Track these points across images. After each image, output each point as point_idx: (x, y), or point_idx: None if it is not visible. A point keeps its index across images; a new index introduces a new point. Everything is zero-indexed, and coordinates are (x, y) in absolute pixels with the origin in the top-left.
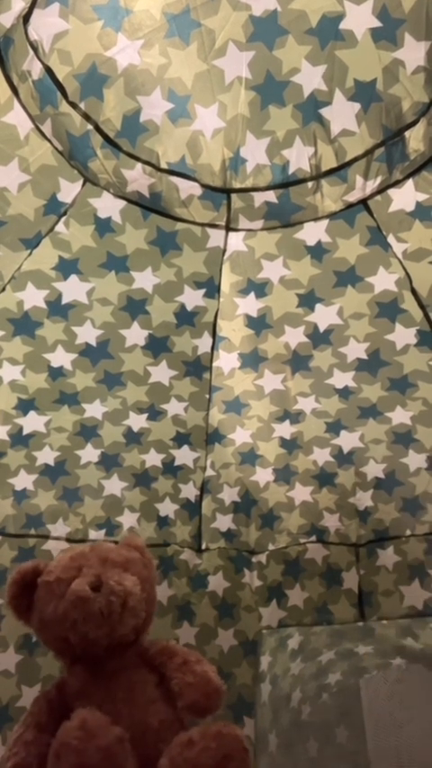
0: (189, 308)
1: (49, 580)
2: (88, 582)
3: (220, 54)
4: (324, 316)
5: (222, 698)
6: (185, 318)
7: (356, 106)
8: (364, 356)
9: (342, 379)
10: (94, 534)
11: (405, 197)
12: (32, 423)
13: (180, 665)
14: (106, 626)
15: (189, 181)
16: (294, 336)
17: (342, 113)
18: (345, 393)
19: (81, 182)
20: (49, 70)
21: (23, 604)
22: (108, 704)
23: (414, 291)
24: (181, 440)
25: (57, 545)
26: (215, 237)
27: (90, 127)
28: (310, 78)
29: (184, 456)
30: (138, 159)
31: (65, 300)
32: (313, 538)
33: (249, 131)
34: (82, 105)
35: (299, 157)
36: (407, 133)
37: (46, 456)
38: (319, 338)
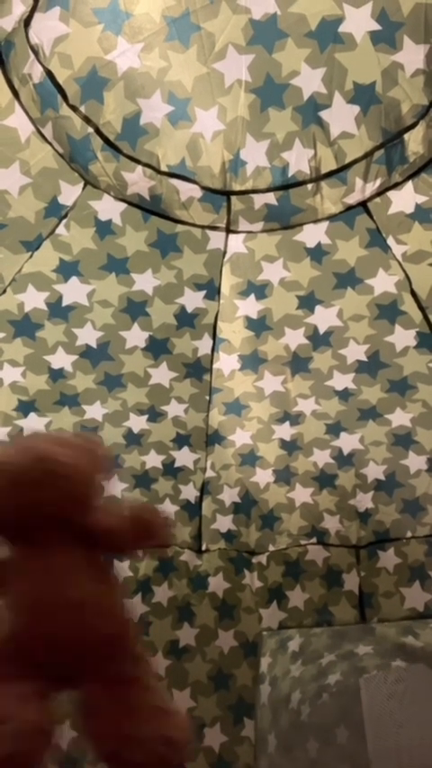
0: (189, 309)
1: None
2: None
3: (220, 57)
4: (324, 317)
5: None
6: (186, 320)
7: (356, 109)
8: (364, 358)
9: (342, 381)
10: None
11: (404, 199)
12: (33, 424)
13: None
14: (30, 489)
15: (189, 183)
16: (294, 338)
17: (341, 116)
18: (344, 395)
19: (81, 184)
20: (49, 73)
21: None
22: (41, 576)
23: (414, 293)
24: (181, 441)
25: None
26: (215, 239)
27: (90, 130)
28: (310, 81)
29: (184, 457)
30: (138, 162)
31: (65, 302)
32: (314, 539)
33: (249, 134)
34: (82, 108)
35: (298, 160)
36: (406, 136)
37: None
38: (318, 340)
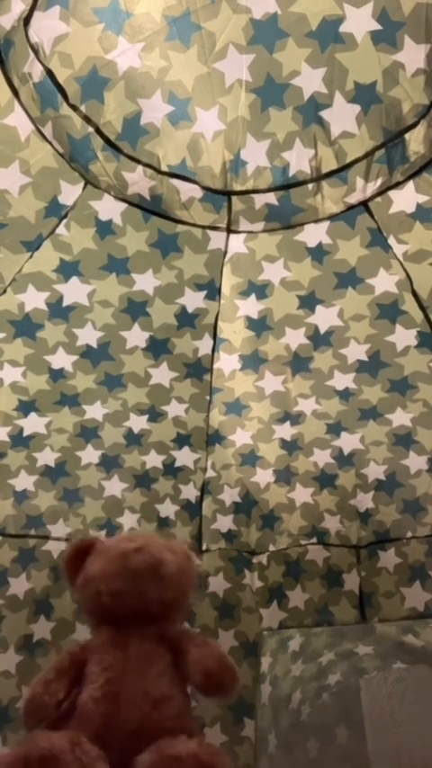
0: (190, 309)
1: (103, 546)
2: (134, 546)
3: (221, 57)
4: (324, 317)
5: (236, 681)
6: (186, 320)
7: (356, 108)
8: (365, 358)
9: (342, 381)
10: (94, 535)
11: (405, 199)
12: (33, 424)
13: (199, 643)
14: (137, 584)
15: (190, 183)
16: (295, 338)
17: (342, 115)
18: (345, 394)
19: (82, 184)
20: (49, 73)
21: (75, 567)
22: (119, 663)
23: (414, 293)
24: (181, 441)
25: (57, 546)
26: (216, 239)
27: (91, 129)
28: (311, 81)
29: (184, 457)
30: (138, 162)
31: (66, 302)
32: (314, 539)
33: (250, 134)
34: (83, 108)
35: (299, 159)
36: (407, 135)
37: (46, 457)
38: (319, 340)
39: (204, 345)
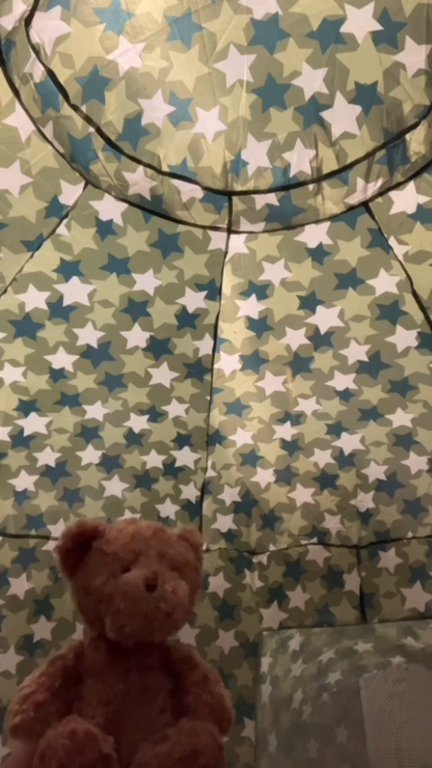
0: (190, 310)
1: (107, 551)
2: (144, 577)
3: (222, 57)
4: (325, 318)
5: (231, 726)
6: (187, 320)
7: (357, 109)
8: (365, 358)
9: (343, 381)
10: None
11: (406, 199)
12: (33, 424)
13: (200, 681)
14: (145, 629)
15: (190, 183)
16: (295, 338)
17: (343, 116)
18: (345, 395)
19: (82, 184)
20: (50, 73)
21: (72, 559)
22: (120, 697)
23: (415, 294)
24: (182, 441)
25: None
26: (216, 240)
27: (91, 130)
28: (311, 81)
29: (184, 457)
30: (139, 162)
31: (66, 302)
32: (314, 539)
33: (250, 134)
34: (83, 108)
35: (300, 160)
36: (408, 136)
37: (47, 457)
38: (319, 340)
39: (205, 345)
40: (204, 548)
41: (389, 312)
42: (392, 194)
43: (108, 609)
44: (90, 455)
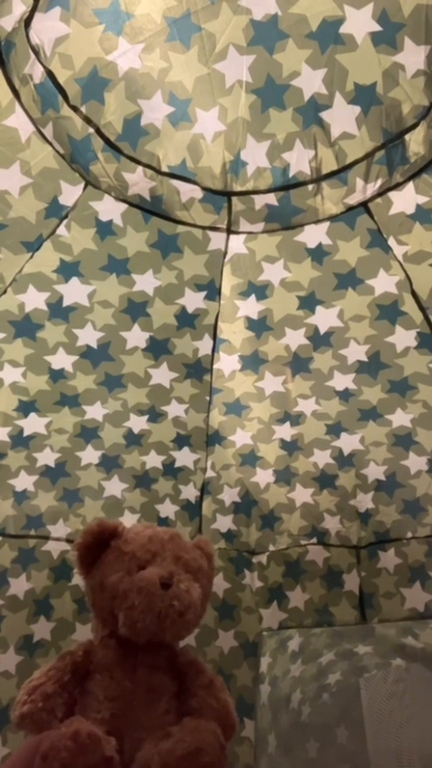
0: (190, 310)
1: (124, 550)
2: (160, 576)
3: (221, 58)
4: (324, 318)
5: (235, 733)
6: (186, 321)
7: (356, 109)
8: (365, 358)
9: (342, 382)
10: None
11: (405, 200)
12: (33, 424)
13: (206, 686)
14: (158, 626)
15: (190, 184)
16: (295, 338)
17: (342, 116)
18: (345, 395)
19: (82, 185)
20: (50, 74)
21: (90, 556)
22: (126, 694)
23: (414, 294)
24: (181, 441)
25: (57, 546)
26: (216, 240)
27: (91, 130)
28: (311, 82)
29: (184, 457)
30: (139, 162)
31: (66, 303)
32: (314, 539)
33: (250, 134)
34: (83, 109)
35: (299, 160)
36: (407, 136)
37: (46, 457)
38: (319, 340)
39: (204, 346)
40: None
41: (388, 312)
42: (392, 195)
43: (122, 604)
44: (90, 455)
